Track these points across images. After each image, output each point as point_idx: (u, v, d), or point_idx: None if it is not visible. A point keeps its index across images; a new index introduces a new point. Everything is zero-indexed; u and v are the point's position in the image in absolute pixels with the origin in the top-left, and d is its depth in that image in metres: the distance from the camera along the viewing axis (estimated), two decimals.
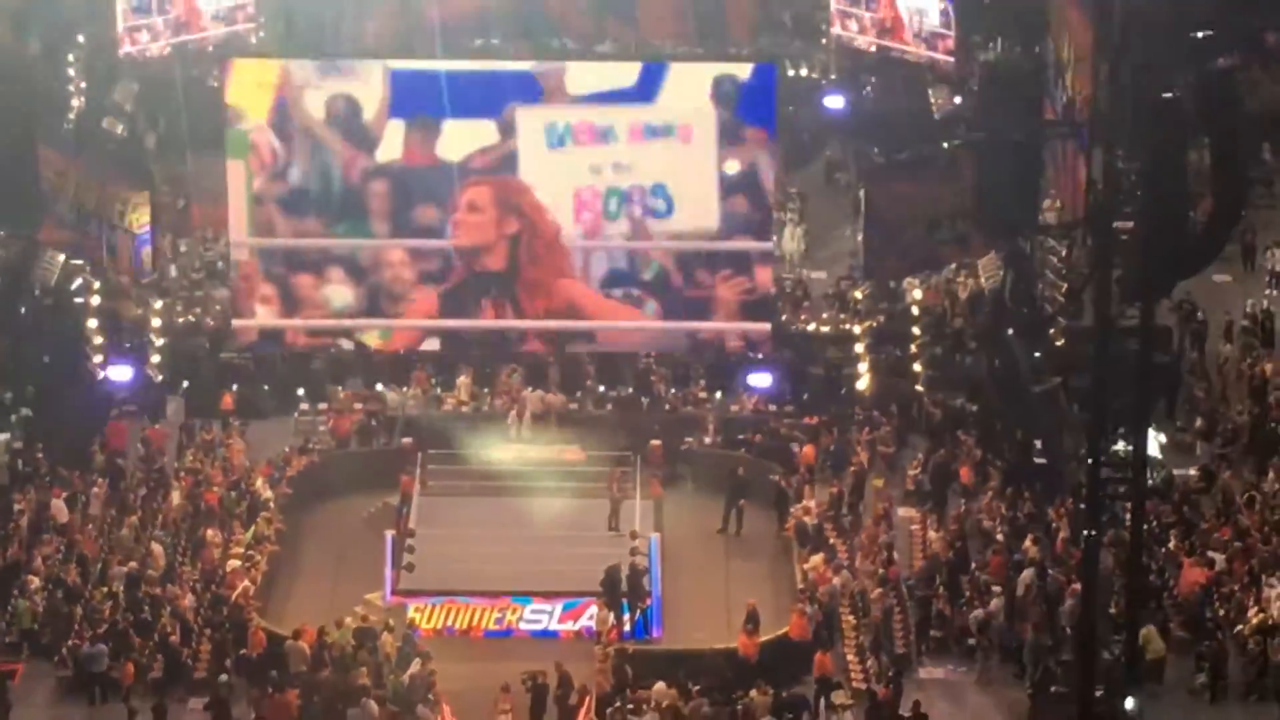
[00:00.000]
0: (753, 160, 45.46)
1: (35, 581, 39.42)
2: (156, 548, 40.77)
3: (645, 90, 45.73)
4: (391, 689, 36.93)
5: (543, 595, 40.45)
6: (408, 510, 43.06)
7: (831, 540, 41.77)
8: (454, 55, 49.10)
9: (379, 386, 47.30)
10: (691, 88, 45.71)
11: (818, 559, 40.65)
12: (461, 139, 45.42)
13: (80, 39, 53.07)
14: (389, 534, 41.89)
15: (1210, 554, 39.67)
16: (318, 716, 36.39)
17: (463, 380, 47.11)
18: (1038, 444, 43.57)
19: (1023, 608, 38.69)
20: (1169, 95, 32.50)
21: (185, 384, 47.16)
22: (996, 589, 39.22)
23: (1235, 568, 39.25)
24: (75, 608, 38.98)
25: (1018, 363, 44.65)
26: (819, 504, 42.81)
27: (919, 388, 46.35)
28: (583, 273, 46.05)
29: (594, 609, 39.87)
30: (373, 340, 46.71)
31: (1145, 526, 35.51)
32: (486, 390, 47.23)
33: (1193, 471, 43.22)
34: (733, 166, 45.36)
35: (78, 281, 45.68)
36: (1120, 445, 33.60)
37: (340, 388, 47.34)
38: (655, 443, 45.04)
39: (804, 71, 57.34)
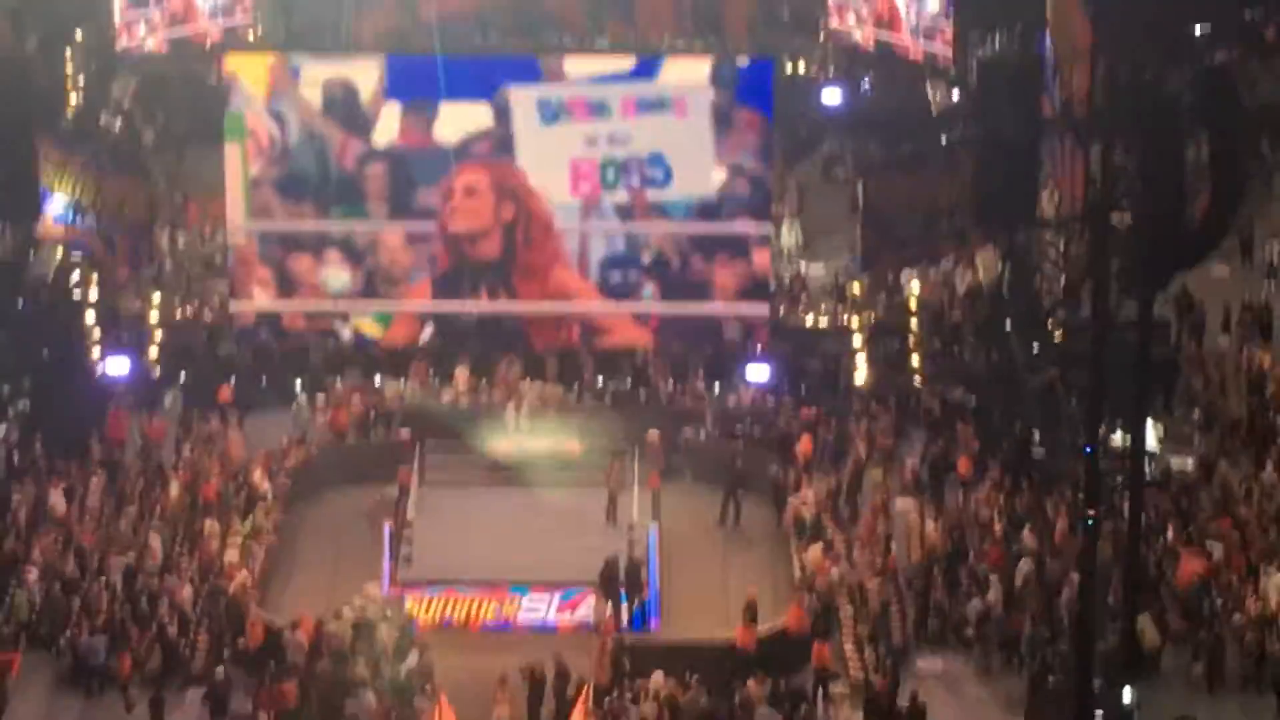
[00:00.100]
0: (751, 141, 45.43)
1: (33, 573, 39.43)
2: (154, 539, 40.76)
3: (643, 74, 46.00)
4: (389, 680, 36.95)
5: (540, 587, 40.43)
6: (405, 502, 43.08)
7: (829, 532, 41.78)
8: (452, 52, 49.07)
9: (377, 378, 47.32)
10: (689, 71, 45.94)
11: (816, 550, 40.67)
12: (458, 121, 45.43)
13: (78, 35, 53.09)
14: (387, 526, 41.86)
15: (1208, 545, 39.74)
16: (315, 708, 36.41)
17: (460, 372, 47.13)
18: (1036, 436, 43.64)
19: (1021, 599, 38.75)
20: (1167, 90, 32.53)
21: (183, 376, 47.18)
22: (994, 580, 39.27)
23: (1233, 559, 39.31)
24: (73, 599, 38.99)
25: (1015, 355, 44.73)
26: (817, 496, 42.84)
27: (917, 380, 46.41)
28: (581, 257, 45.96)
29: (592, 600, 39.86)
30: (370, 329, 46.62)
31: (1143, 518, 35.52)
32: (485, 382, 47.25)
33: (1191, 463, 43.29)
34: (732, 146, 45.34)
35: (75, 275, 45.74)
36: (1118, 437, 33.66)
37: (338, 380, 47.36)
38: (653, 434, 45.08)
39: (802, 67, 57.36)
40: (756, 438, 45.67)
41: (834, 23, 56.66)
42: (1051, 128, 45.02)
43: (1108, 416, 33.52)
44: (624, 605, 39.82)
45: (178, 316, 47.61)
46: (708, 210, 45.95)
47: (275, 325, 46.59)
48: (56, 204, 45.31)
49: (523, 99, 45.39)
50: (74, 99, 52.24)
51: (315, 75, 45.89)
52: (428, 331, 46.78)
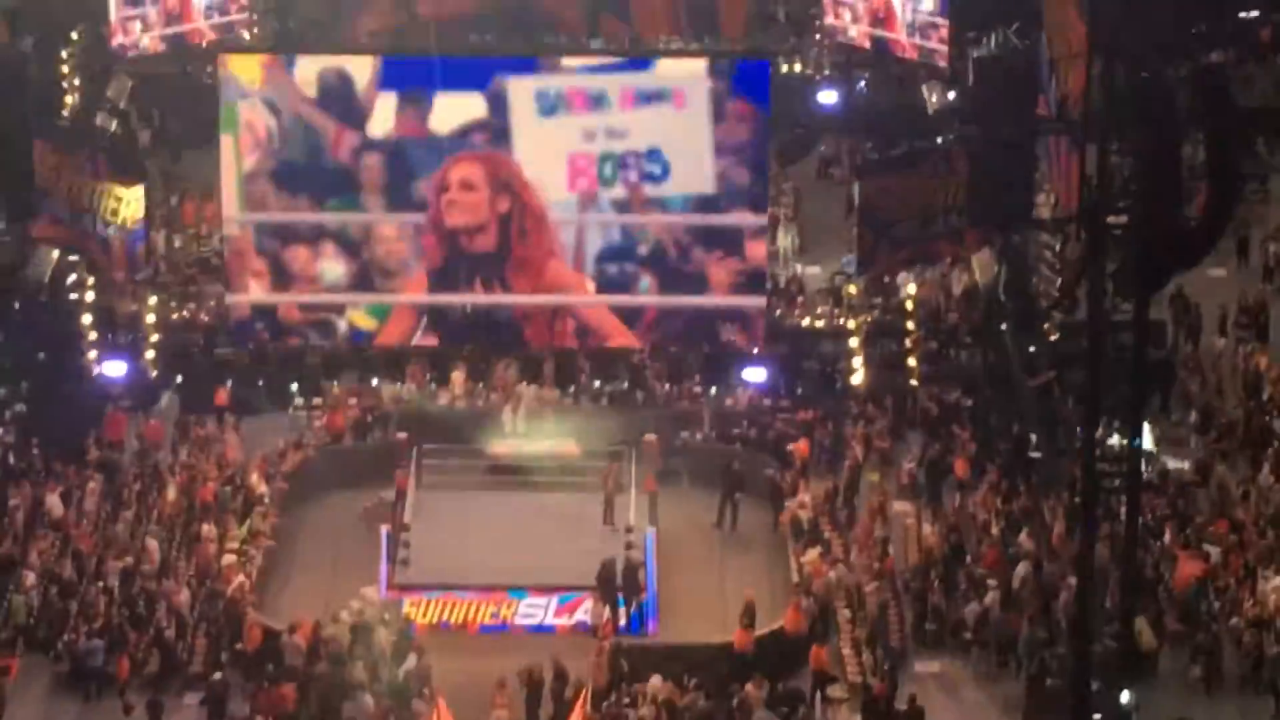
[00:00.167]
0: (749, 134, 45.36)
1: (30, 577, 39.44)
2: (152, 543, 40.78)
3: (640, 65, 46.11)
4: (387, 683, 36.97)
5: (538, 590, 40.42)
6: (402, 505, 43.06)
7: (827, 534, 41.78)
8: (448, 51, 49.00)
9: (374, 381, 47.29)
10: (687, 62, 46.13)
11: (813, 553, 40.66)
12: (454, 112, 45.33)
13: (74, 35, 53.03)
14: (384, 529, 41.85)
15: (1206, 547, 39.75)
16: (313, 711, 36.41)
17: (457, 375, 47.09)
18: (1032, 438, 43.64)
19: (1018, 601, 38.75)
20: (1164, 90, 32.53)
21: (179, 379, 47.13)
22: (992, 583, 39.29)
23: (1231, 561, 39.32)
24: (70, 603, 39.01)
25: (1012, 357, 44.73)
26: (814, 498, 42.84)
27: (913, 382, 46.39)
28: (577, 249, 45.82)
29: (589, 603, 39.87)
30: (364, 320, 46.43)
31: (1140, 520, 35.52)
32: (481, 384, 47.21)
33: (1187, 465, 43.30)
34: (730, 139, 45.29)
35: (72, 277, 45.70)
36: (1115, 439, 33.66)
37: (335, 383, 47.32)
38: (650, 437, 45.06)
39: (797, 68, 57.35)
40: (753, 440, 45.67)
41: (829, 18, 56.63)
42: (1047, 128, 45.10)
43: (1104, 418, 33.49)
44: (622, 608, 39.82)
45: (174, 318, 47.52)
46: (705, 206, 45.89)
47: (271, 317, 46.41)
48: (52, 205, 45.26)
49: (521, 90, 45.26)
50: (70, 100, 52.16)
51: (310, 66, 45.79)
52: (423, 326, 46.57)
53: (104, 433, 44.84)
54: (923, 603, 39.50)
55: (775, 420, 45.98)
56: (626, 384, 47.31)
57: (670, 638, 39.52)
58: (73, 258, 45.75)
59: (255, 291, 46.22)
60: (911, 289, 46.87)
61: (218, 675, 36.89)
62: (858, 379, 46.43)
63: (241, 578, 39.48)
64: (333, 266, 46.06)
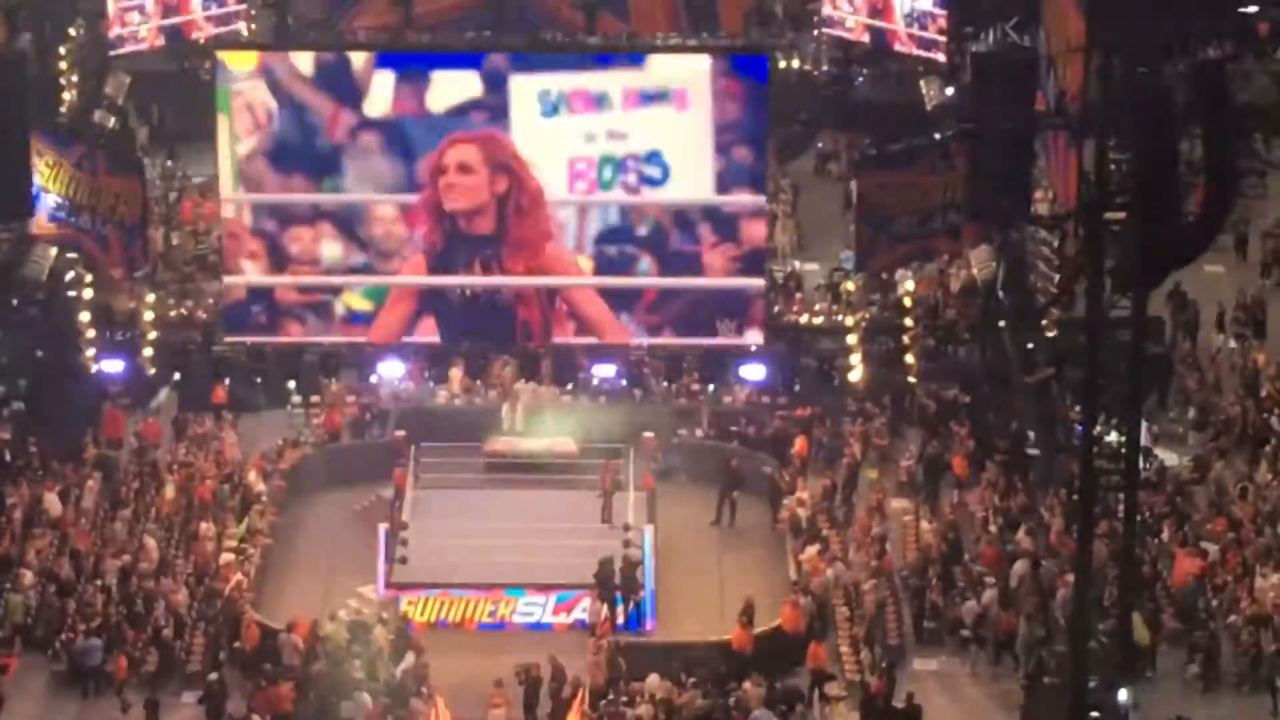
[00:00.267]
0: (748, 128, 45.09)
1: (28, 575, 39.44)
2: (149, 541, 40.80)
3: (639, 59, 45.92)
4: (385, 682, 36.99)
5: (536, 588, 40.45)
6: (400, 503, 43.04)
7: (825, 532, 41.77)
8: (444, 49, 48.83)
9: (372, 379, 47.24)
10: (690, 62, 45.98)
11: (811, 551, 40.67)
12: (452, 90, 45.09)
13: (72, 32, 52.99)
14: (382, 527, 41.85)
15: (1203, 545, 39.74)
16: (311, 709, 36.41)
17: (455, 372, 47.05)
18: (1030, 435, 43.61)
19: (1016, 599, 38.73)
20: (1162, 87, 32.50)
21: (177, 377, 47.09)
22: (990, 580, 39.29)
23: (1229, 558, 39.32)
24: (68, 602, 39.02)
25: (1010, 354, 44.68)
26: (812, 496, 42.82)
27: (912, 379, 46.33)
28: (578, 231, 45.50)
29: (587, 602, 39.90)
30: (360, 302, 46.12)
31: (1138, 517, 35.53)
32: (479, 382, 47.16)
33: (1185, 462, 43.29)
34: (729, 132, 45.11)
35: (70, 275, 45.63)
36: (1113, 436, 33.63)
37: (332, 380, 47.27)
38: (648, 435, 45.04)
39: (795, 63, 57.30)
40: (752, 437, 45.64)
41: (826, 9, 56.56)
42: (1045, 124, 45.04)
43: (1102, 415, 33.49)
44: (620, 606, 39.84)
45: (172, 316, 47.45)
46: (705, 208, 45.73)
47: (268, 300, 46.09)
48: (50, 202, 45.20)
49: (523, 89, 44.95)
50: (68, 97, 52.10)
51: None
52: (428, 332, 46.40)
53: (102, 431, 44.85)
54: (921, 600, 39.49)
55: (773, 418, 45.96)
56: (624, 382, 47.12)
57: (668, 636, 39.56)
58: (71, 255, 45.62)
59: (251, 274, 45.92)
60: (910, 285, 46.79)
61: (215, 674, 36.90)
62: (856, 376, 46.34)
63: (239, 576, 39.51)
64: (330, 247, 45.66)
